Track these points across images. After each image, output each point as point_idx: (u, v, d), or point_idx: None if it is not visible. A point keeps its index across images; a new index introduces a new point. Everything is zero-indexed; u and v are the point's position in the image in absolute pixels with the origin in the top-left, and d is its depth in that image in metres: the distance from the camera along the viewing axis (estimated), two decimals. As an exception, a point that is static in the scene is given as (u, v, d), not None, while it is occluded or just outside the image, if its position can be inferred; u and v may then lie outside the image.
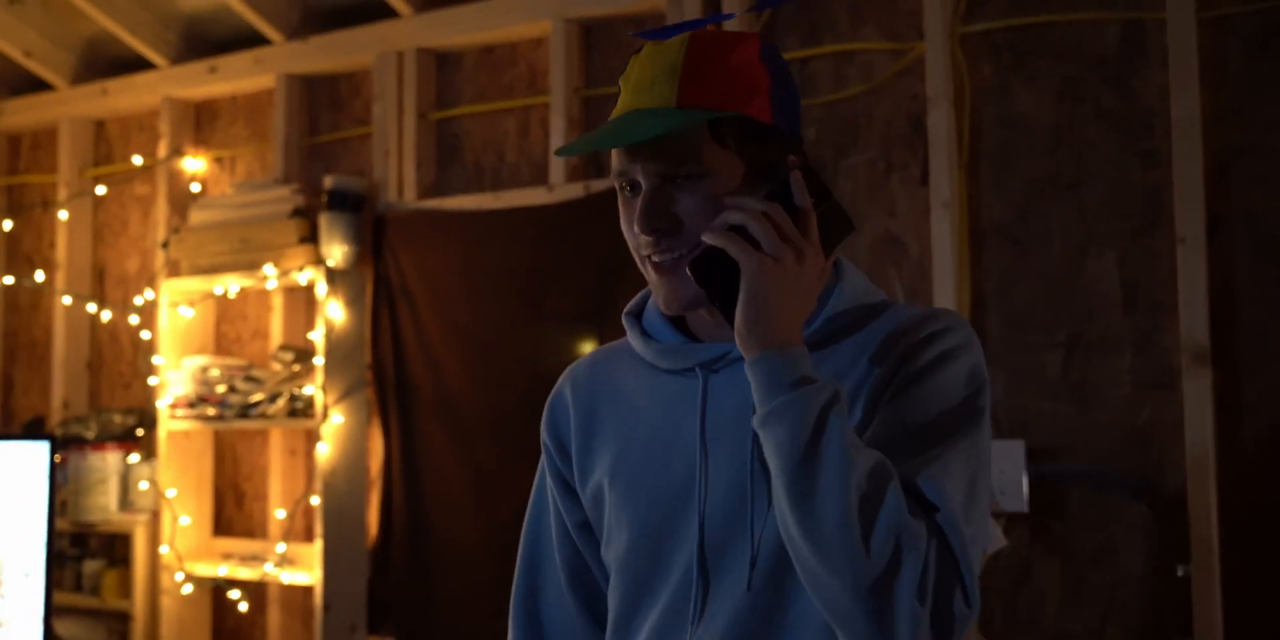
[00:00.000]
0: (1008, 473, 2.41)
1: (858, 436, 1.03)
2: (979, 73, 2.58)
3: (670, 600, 1.15)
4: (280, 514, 3.38)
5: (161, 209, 3.67)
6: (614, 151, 1.11)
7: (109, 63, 3.90)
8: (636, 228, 1.10)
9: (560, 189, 2.98)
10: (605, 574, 1.24)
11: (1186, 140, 2.32)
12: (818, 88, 2.76)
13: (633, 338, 1.22)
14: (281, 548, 3.27)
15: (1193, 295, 2.30)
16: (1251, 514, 2.27)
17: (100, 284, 3.95)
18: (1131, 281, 2.41)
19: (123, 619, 3.56)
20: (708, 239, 1.05)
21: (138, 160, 3.77)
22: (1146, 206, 2.41)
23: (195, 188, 3.70)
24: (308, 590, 3.35)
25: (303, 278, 3.22)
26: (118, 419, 3.66)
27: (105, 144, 4.00)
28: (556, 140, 3.01)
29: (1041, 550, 2.45)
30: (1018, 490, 2.40)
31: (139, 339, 3.77)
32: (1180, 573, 2.28)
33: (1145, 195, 2.41)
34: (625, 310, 1.24)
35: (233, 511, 3.60)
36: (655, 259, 1.11)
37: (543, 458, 1.30)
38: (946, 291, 2.53)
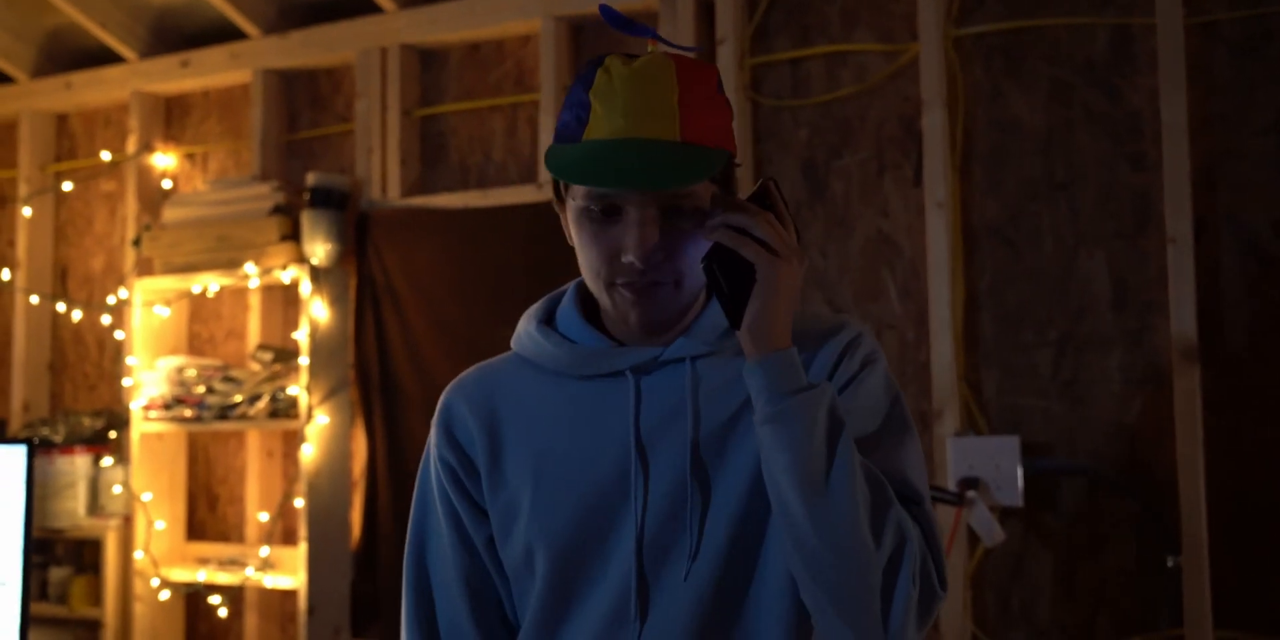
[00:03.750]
0: (1003, 468, 2.45)
1: None
2: (971, 75, 2.62)
3: (607, 602, 1.16)
4: (263, 516, 3.32)
5: (130, 206, 3.59)
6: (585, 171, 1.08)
7: (72, 56, 3.81)
8: (631, 257, 1.10)
9: (549, 186, 2.96)
10: (508, 589, 1.24)
11: (1174, 144, 2.38)
12: (811, 88, 2.78)
13: (544, 345, 1.21)
14: (265, 551, 3.22)
15: (1182, 294, 2.35)
16: (1239, 507, 2.34)
17: (63, 283, 3.85)
18: (1121, 280, 2.47)
19: (92, 627, 3.48)
20: (718, 238, 1.08)
21: (106, 156, 3.69)
22: (1135, 207, 2.47)
23: (166, 185, 3.63)
24: (287, 594, 3.31)
25: (285, 276, 3.17)
26: (86, 422, 3.57)
27: (69, 139, 3.90)
28: (545, 138, 3.00)
29: (1035, 544, 2.50)
30: (1013, 485, 2.45)
31: (105, 339, 3.69)
32: (1170, 564, 2.34)
33: (1134, 197, 2.47)
34: (534, 320, 1.24)
35: (205, 515, 3.53)
36: (635, 285, 1.12)
37: (431, 482, 1.26)
38: (941, 291, 2.56)
